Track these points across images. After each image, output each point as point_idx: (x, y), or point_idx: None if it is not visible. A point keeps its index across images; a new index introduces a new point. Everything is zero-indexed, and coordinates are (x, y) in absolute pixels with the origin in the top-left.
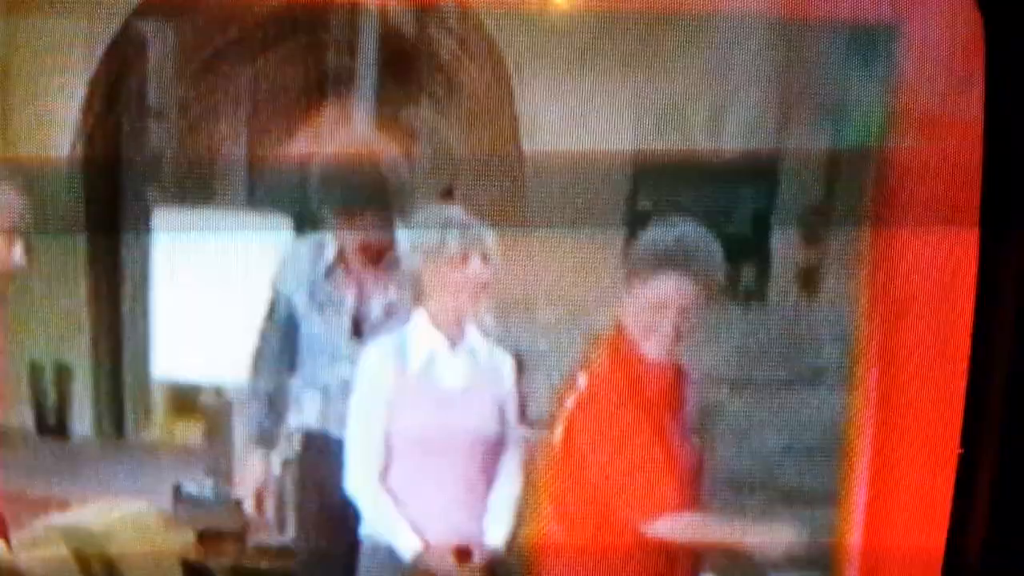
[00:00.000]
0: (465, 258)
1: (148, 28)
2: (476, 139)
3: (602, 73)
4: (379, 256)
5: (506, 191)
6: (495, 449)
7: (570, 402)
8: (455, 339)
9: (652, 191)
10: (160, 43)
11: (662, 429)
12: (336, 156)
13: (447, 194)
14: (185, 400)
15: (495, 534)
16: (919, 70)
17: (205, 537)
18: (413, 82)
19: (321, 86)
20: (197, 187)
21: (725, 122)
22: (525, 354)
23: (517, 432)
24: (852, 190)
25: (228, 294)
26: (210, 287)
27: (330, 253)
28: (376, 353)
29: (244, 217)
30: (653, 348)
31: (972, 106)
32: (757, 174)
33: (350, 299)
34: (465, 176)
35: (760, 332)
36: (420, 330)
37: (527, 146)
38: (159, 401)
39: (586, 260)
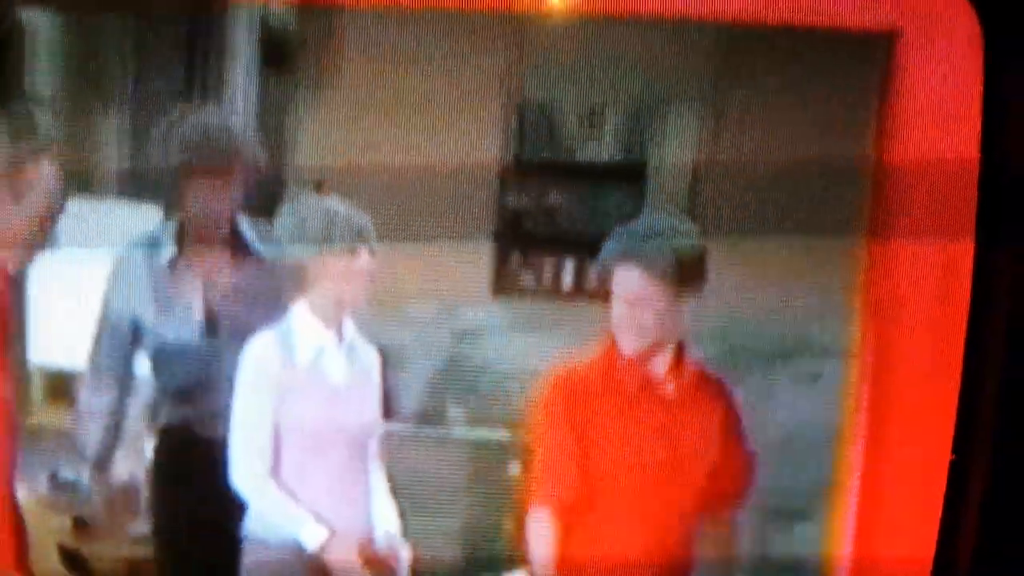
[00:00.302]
0: (353, 250)
1: (25, 16)
2: (351, 135)
3: (475, 73)
4: (224, 246)
5: (378, 186)
6: (372, 442)
7: (536, 394)
8: (339, 333)
9: (521, 192)
10: (37, 31)
11: (593, 423)
12: (192, 133)
13: (318, 187)
14: (61, 386)
15: (384, 524)
16: (916, 77)
17: (79, 524)
18: (289, 76)
19: (196, 75)
20: (72, 174)
21: (595, 126)
22: (392, 349)
23: (382, 425)
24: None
25: (98, 281)
26: (82, 272)
27: (169, 250)
28: (261, 347)
29: (117, 205)
30: (624, 343)
31: (970, 115)
32: (625, 178)
33: (198, 294)
34: (339, 171)
35: None
36: (305, 323)
37: (400, 143)
38: (37, 386)
39: (456, 256)
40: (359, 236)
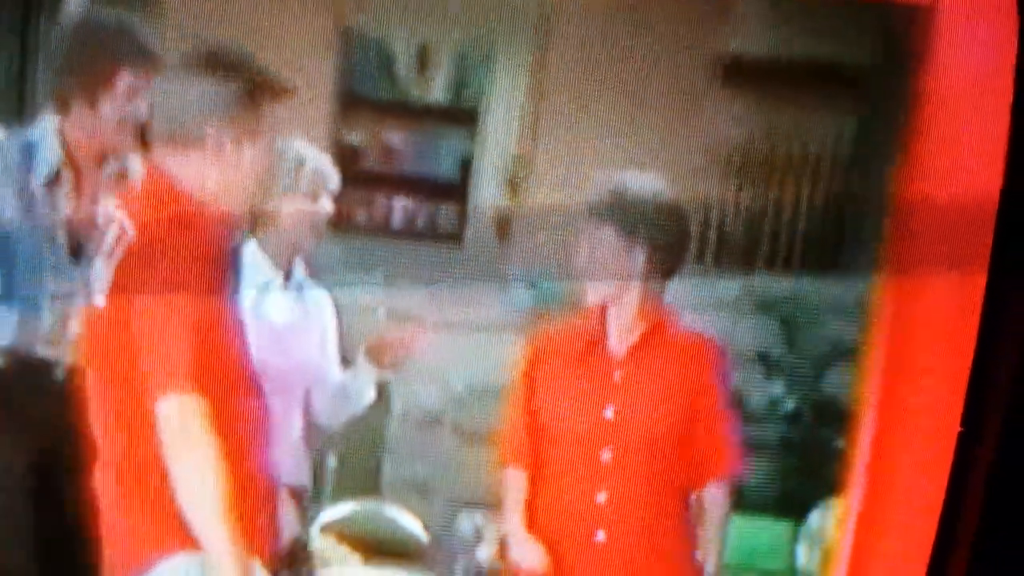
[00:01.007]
0: (316, 196)
1: None
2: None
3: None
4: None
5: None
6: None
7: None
8: (287, 274)
9: (359, 129)
10: None
11: (546, 381)
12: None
13: None
14: None
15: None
16: (946, 68)
17: None
18: None
19: None
20: None
21: (433, 65)
22: None
23: (336, 369)
24: None
25: None
26: None
27: (53, 154)
28: None
29: None
30: (587, 295)
31: (999, 114)
32: (461, 119)
33: (68, 209)
34: None
35: (453, 273)
36: (253, 262)
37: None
38: None
39: None
40: (324, 181)
